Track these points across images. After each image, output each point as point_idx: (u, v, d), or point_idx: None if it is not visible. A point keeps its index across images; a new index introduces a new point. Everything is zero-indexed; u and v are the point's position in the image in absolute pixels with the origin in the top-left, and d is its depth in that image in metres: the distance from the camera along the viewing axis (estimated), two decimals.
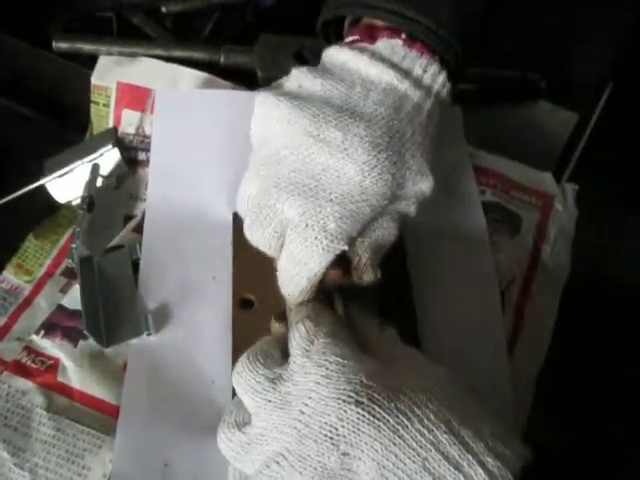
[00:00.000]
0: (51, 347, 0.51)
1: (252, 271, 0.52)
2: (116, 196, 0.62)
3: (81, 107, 0.66)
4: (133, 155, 0.64)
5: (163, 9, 0.77)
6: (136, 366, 0.50)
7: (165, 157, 0.60)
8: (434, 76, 0.45)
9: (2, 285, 0.61)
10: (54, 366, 0.50)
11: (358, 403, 0.36)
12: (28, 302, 0.60)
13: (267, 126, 0.45)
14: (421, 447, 0.36)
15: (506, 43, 0.73)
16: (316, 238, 0.42)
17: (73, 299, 0.53)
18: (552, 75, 0.69)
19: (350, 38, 0.47)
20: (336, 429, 0.36)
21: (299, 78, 0.46)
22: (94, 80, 0.65)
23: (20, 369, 0.50)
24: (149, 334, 0.51)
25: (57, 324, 0.52)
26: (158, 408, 0.48)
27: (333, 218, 0.42)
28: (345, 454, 0.36)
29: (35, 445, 0.47)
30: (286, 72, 0.63)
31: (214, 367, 0.50)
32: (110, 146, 0.62)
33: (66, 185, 0.63)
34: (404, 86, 0.43)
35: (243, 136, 0.59)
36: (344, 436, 0.36)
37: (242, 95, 0.62)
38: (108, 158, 0.63)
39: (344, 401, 0.36)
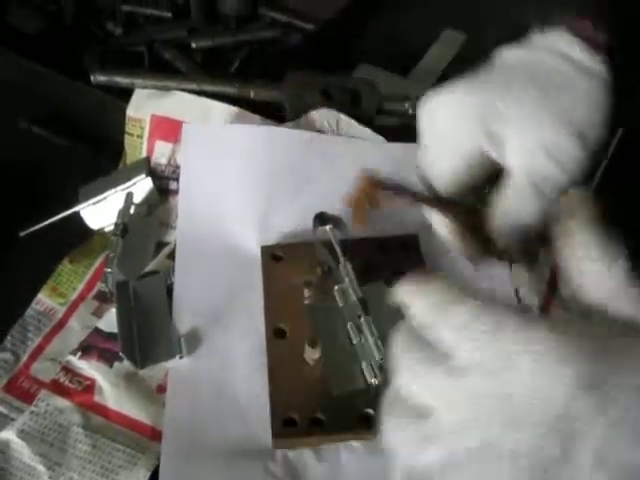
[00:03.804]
0: (88, 368, 0.53)
1: (282, 302, 0.54)
2: (148, 223, 0.65)
3: (115, 138, 0.69)
4: (165, 184, 0.67)
5: (193, 45, 0.80)
6: (176, 394, 0.51)
7: (193, 191, 0.63)
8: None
9: (37, 307, 0.63)
10: (91, 386, 0.52)
11: (588, 387, 0.31)
12: (61, 324, 0.61)
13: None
14: None
15: None
16: None
17: (109, 322, 0.55)
18: None
19: None
20: (561, 417, 0.31)
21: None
22: (129, 112, 0.68)
23: (58, 388, 0.52)
24: (181, 357, 0.53)
25: (94, 345, 0.54)
26: (198, 436, 0.49)
27: None
28: (568, 443, 0.31)
29: (71, 460, 0.49)
30: (313, 108, 0.66)
31: (250, 395, 0.51)
32: (143, 175, 0.65)
33: (99, 212, 0.66)
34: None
35: (267, 170, 0.63)
36: (568, 425, 0.31)
37: (265, 130, 0.65)
38: (141, 187, 0.65)
39: (569, 385, 0.31)
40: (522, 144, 0.46)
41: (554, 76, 0.47)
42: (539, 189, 0.46)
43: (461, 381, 0.33)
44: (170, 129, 0.67)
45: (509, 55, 0.49)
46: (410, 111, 0.69)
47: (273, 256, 0.58)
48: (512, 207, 0.47)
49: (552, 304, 0.58)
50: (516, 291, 0.58)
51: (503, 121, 0.46)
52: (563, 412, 0.31)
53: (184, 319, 0.55)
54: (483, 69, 0.49)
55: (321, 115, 0.66)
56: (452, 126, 0.48)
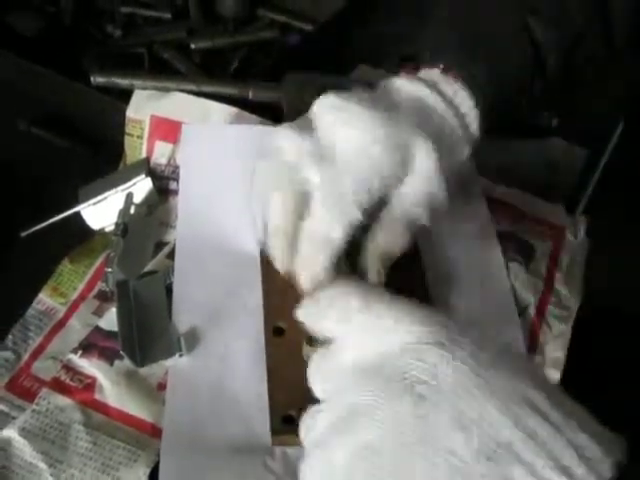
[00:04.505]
0: (89, 366, 0.53)
1: (281, 300, 0.55)
2: (147, 223, 0.65)
3: (115, 139, 0.70)
4: (164, 184, 0.67)
5: (192, 46, 0.81)
6: (175, 391, 0.52)
7: (192, 191, 0.63)
8: (463, 99, 0.51)
9: (38, 307, 0.63)
10: (91, 384, 0.53)
11: (440, 344, 0.33)
12: (62, 323, 0.62)
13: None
14: (511, 400, 0.31)
15: None
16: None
17: (109, 321, 0.56)
18: (564, 112, 0.72)
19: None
20: (412, 370, 0.33)
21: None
22: (129, 113, 0.68)
23: (59, 386, 0.53)
24: (181, 355, 0.53)
25: (94, 344, 0.55)
26: (198, 433, 0.49)
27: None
28: (421, 396, 0.32)
29: (72, 458, 0.50)
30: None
31: (249, 393, 0.51)
32: (143, 176, 0.65)
33: (100, 212, 0.66)
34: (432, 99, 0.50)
35: None
36: (420, 377, 0.33)
37: (264, 130, 0.65)
38: (141, 187, 0.66)
39: (425, 343, 0.33)
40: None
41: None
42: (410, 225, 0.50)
43: (336, 359, 0.38)
44: (170, 130, 0.67)
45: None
46: None
47: None
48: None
49: (548, 301, 0.59)
50: (512, 286, 0.59)
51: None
52: (412, 368, 0.33)
53: (183, 318, 0.55)
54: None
55: None
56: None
